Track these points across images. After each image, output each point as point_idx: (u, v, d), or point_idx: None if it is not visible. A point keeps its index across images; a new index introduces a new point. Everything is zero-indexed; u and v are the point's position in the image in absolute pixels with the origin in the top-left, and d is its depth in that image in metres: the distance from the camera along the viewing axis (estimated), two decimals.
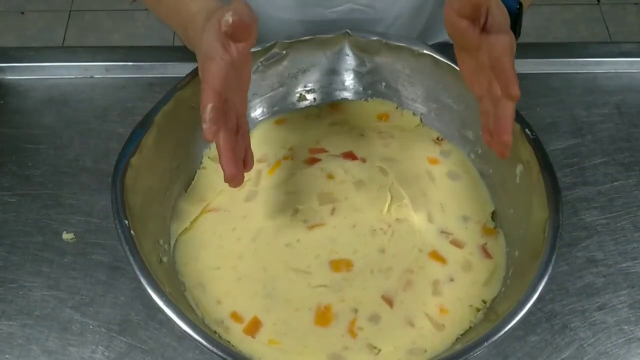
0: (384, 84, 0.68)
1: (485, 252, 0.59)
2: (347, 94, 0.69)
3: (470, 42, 0.49)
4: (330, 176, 0.64)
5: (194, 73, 0.61)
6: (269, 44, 0.64)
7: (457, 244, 0.60)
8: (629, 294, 0.61)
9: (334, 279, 0.57)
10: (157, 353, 0.57)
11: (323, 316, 0.56)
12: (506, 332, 0.48)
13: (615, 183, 0.68)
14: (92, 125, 0.71)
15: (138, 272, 0.49)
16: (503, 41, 0.46)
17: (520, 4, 0.58)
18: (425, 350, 0.54)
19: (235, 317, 0.55)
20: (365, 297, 0.57)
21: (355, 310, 0.56)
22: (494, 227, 0.61)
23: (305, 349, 0.54)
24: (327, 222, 0.61)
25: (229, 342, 0.54)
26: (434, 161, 0.66)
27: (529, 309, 0.49)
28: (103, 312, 0.59)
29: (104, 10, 1.89)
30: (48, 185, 0.66)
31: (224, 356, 0.47)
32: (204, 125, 0.46)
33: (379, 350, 0.54)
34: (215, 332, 0.54)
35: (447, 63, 0.63)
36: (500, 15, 0.49)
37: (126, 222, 0.51)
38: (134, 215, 0.53)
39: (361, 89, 0.69)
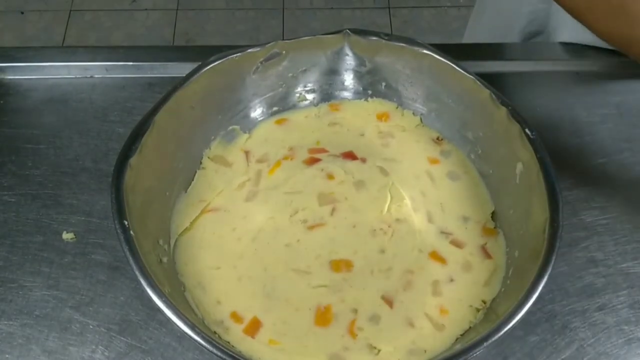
0: (384, 84, 0.68)
1: (485, 252, 0.59)
2: (347, 94, 0.69)
3: None
4: (330, 176, 0.64)
5: (194, 73, 0.61)
6: (268, 44, 0.64)
7: (457, 244, 0.60)
8: (629, 294, 0.61)
9: (334, 279, 0.57)
10: (157, 353, 0.57)
11: (323, 316, 0.56)
12: (506, 332, 0.48)
13: (615, 183, 0.68)
14: (92, 125, 0.71)
15: (137, 273, 0.49)
16: None
17: None
18: (425, 351, 0.54)
19: (235, 317, 0.55)
20: (365, 298, 0.57)
21: (355, 311, 0.56)
22: (494, 227, 0.61)
23: (305, 349, 0.54)
24: (327, 222, 0.61)
25: (228, 342, 0.54)
26: (434, 161, 0.66)
27: (529, 309, 0.49)
28: (103, 312, 0.59)
29: (104, 10, 1.90)
30: (48, 185, 0.66)
31: (224, 357, 0.47)
32: None
33: (379, 351, 0.54)
34: (215, 332, 0.54)
35: (447, 63, 0.63)
36: None
37: (126, 222, 0.51)
38: (134, 216, 0.53)
39: (361, 89, 0.69)
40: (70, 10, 1.89)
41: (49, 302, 0.59)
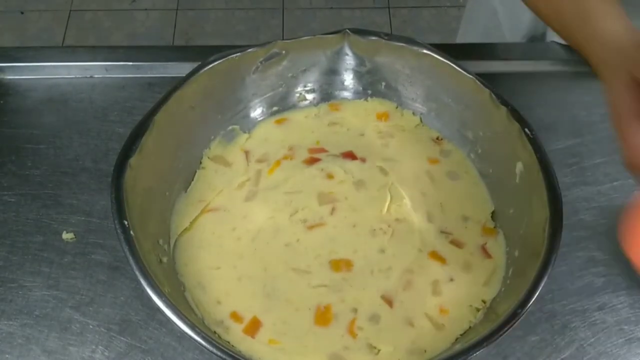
0: (383, 83, 0.68)
1: (485, 252, 0.59)
2: (346, 94, 0.69)
3: None
4: (330, 176, 0.64)
5: (194, 73, 0.61)
6: (268, 44, 0.64)
7: (457, 244, 0.60)
8: (629, 294, 0.61)
9: (334, 279, 0.57)
10: (157, 353, 0.57)
11: (323, 316, 0.56)
12: (506, 332, 0.48)
13: (615, 183, 0.68)
14: (92, 125, 0.71)
15: (137, 273, 0.49)
16: None
17: None
18: (425, 350, 0.54)
19: (235, 317, 0.55)
20: (365, 297, 0.57)
21: (355, 310, 0.56)
22: (494, 227, 0.61)
23: (305, 349, 0.54)
24: (327, 222, 0.61)
25: (228, 342, 0.54)
26: (433, 161, 0.66)
27: (529, 308, 0.49)
28: (103, 312, 0.59)
29: (104, 10, 1.90)
30: (48, 185, 0.66)
31: (224, 356, 0.47)
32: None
33: (379, 350, 0.54)
34: (215, 332, 0.54)
35: (447, 63, 0.63)
36: None
37: (126, 222, 0.51)
38: (134, 216, 0.53)
39: (361, 88, 0.69)
40: (70, 10, 1.89)
41: (49, 302, 0.59)
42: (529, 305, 0.49)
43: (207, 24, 1.89)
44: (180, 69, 0.70)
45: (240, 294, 0.57)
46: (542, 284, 0.50)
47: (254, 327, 0.55)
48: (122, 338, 0.58)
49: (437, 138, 0.67)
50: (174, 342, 0.57)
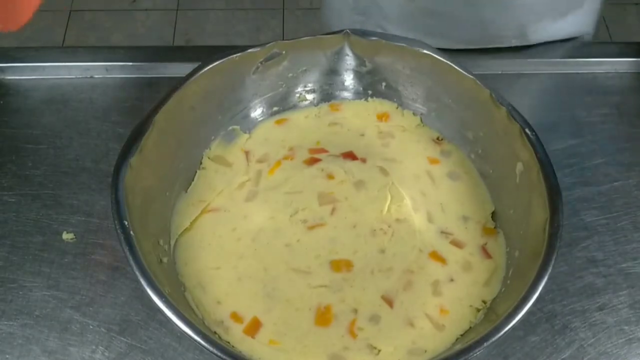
0: (384, 84, 0.68)
1: (485, 253, 0.59)
2: (347, 94, 0.69)
3: None
4: (330, 176, 0.64)
5: (194, 73, 0.61)
6: (268, 44, 0.64)
7: (457, 244, 0.60)
8: (629, 294, 0.61)
9: (334, 279, 0.57)
10: (157, 353, 0.57)
11: (323, 316, 0.56)
12: (506, 332, 0.48)
13: (615, 183, 0.68)
14: (92, 125, 0.71)
15: (138, 273, 0.49)
16: None
17: None
18: (425, 351, 0.54)
19: (235, 317, 0.55)
20: (365, 298, 0.57)
21: (355, 311, 0.56)
22: (494, 227, 0.61)
23: (305, 349, 0.54)
24: (327, 222, 0.61)
25: (228, 342, 0.54)
26: (434, 161, 0.66)
27: (529, 309, 0.49)
28: (103, 312, 0.59)
29: (104, 10, 1.90)
30: (48, 185, 0.67)
31: (224, 356, 0.47)
32: None
33: (379, 351, 0.54)
34: (215, 332, 0.54)
35: (447, 63, 0.63)
36: None
37: (126, 222, 0.51)
38: (134, 216, 0.53)
39: (361, 89, 0.69)
40: (70, 11, 1.89)
41: (49, 302, 0.59)
42: (528, 305, 0.49)
43: (207, 24, 1.89)
44: (180, 69, 0.70)
45: (240, 294, 0.57)
46: (542, 284, 0.50)
47: (254, 327, 0.55)
48: (122, 338, 0.58)
49: (438, 138, 0.67)
50: (174, 343, 0.57)
